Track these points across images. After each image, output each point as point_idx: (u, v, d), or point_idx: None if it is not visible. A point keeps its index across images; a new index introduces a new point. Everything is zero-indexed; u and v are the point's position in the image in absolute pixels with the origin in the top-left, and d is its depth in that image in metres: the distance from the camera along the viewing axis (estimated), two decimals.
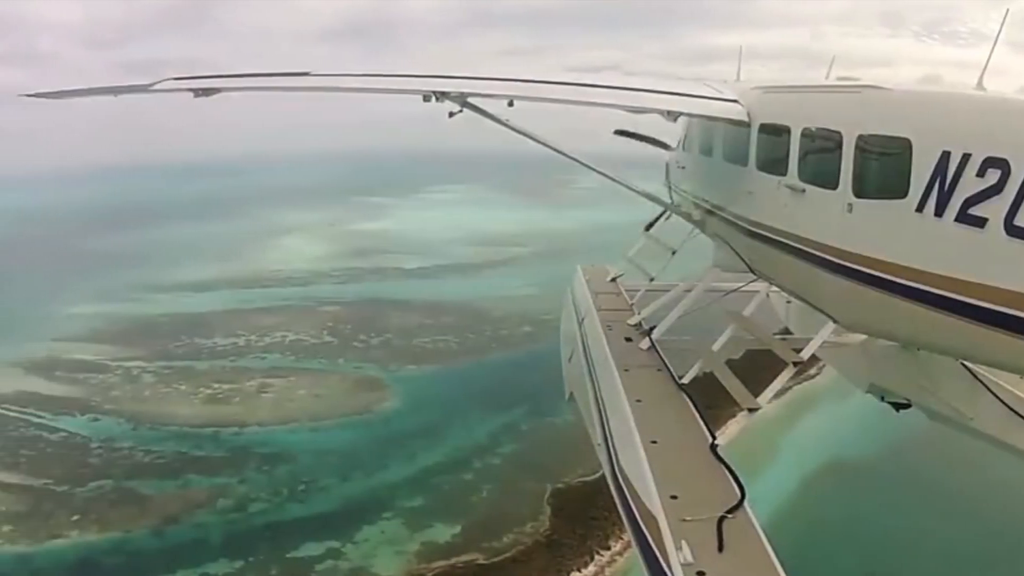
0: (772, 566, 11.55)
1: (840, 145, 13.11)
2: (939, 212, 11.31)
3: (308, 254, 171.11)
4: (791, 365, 15.42)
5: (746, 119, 15.73)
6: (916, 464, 66.59)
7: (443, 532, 64.57)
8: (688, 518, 12.43)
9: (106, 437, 79.91)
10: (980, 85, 12.71)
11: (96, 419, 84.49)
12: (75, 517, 65.86)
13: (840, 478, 69.98)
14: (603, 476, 16.72)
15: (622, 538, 60.01)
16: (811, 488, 68.78)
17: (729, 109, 15.95)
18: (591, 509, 63.75)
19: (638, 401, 16.27)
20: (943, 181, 11.24)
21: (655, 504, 12.92)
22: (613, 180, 18.63)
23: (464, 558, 61.35)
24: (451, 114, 14.96)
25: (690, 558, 11.57)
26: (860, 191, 12.80)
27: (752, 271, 17.83)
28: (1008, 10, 14.07)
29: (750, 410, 15.14)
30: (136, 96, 15.74)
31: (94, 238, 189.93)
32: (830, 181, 13.32)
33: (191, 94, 14.39)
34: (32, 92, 15.12)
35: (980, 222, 10.87)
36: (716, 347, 17.49)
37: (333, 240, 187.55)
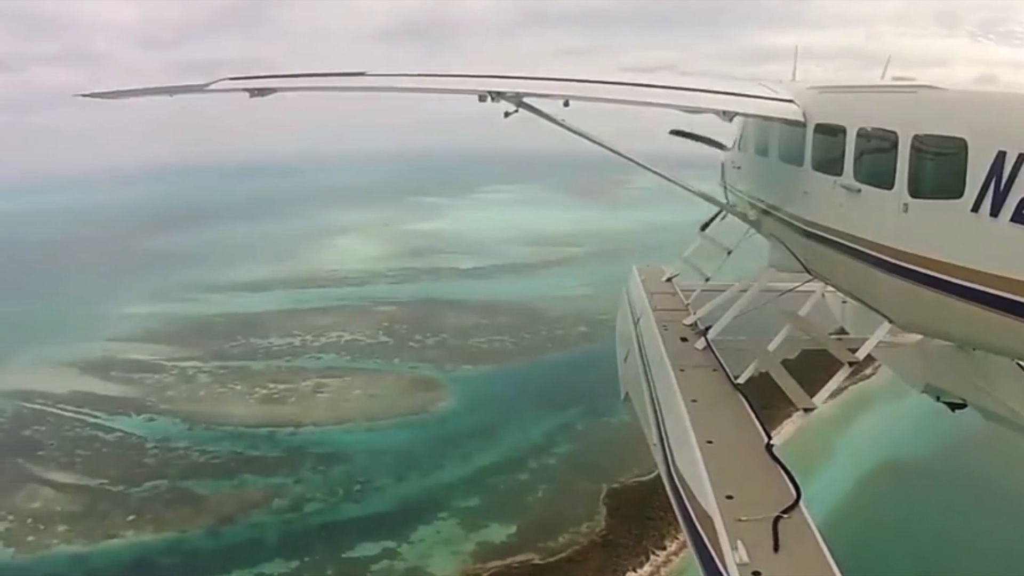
0: (828, 567, 11.67)
1: (896, 145, 13.14)
2: (994, 212, 11.36)
3: (363, 254, 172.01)
4: (847, 365, 15.45)
5: (802, 119, 15.77)
6: (972, 464, 65.46)
7: (499, 532, 64.82)
8: (744, 518, 12.59)
9: (162, 437, 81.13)
10: None
11: (152, 419, 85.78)
12: (131, 517, 66.95)
13: (895, 478, 69.34)
14: (658, 476, 16.87)
15: (677, 538, 59.86)
16: (866, 488, 68.35)
17: (785, 109, 16.00)
18: (647, 509, 63.82)
19: (694, 401, 16.42)
20: (999, 181, 11.29)
21: (711, 504, 13.09)
22: (669, 180, 18.69)
23: (520, 558, 61.56)
24: (506, 114, 15.08)
25: (745, 558, 11.72)
26: (916, 191, 12.84)
27: (808, 271, 17.83)
28: None
29: (805, 410, 15.26)
30: (191, 96, 15.99)
31: (149, 238, 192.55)
32: (886, 181, 13.38)
33: (246, 94, 14.57)
34: (87, 92, 15.44)
35: None
36: (772, 347, 17.56)
37: (388, 240, 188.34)
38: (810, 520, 12.71)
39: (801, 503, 13.03)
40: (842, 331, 21.46)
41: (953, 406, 20.18)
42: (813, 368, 17.13)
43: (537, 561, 61.49)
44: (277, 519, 66.93)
